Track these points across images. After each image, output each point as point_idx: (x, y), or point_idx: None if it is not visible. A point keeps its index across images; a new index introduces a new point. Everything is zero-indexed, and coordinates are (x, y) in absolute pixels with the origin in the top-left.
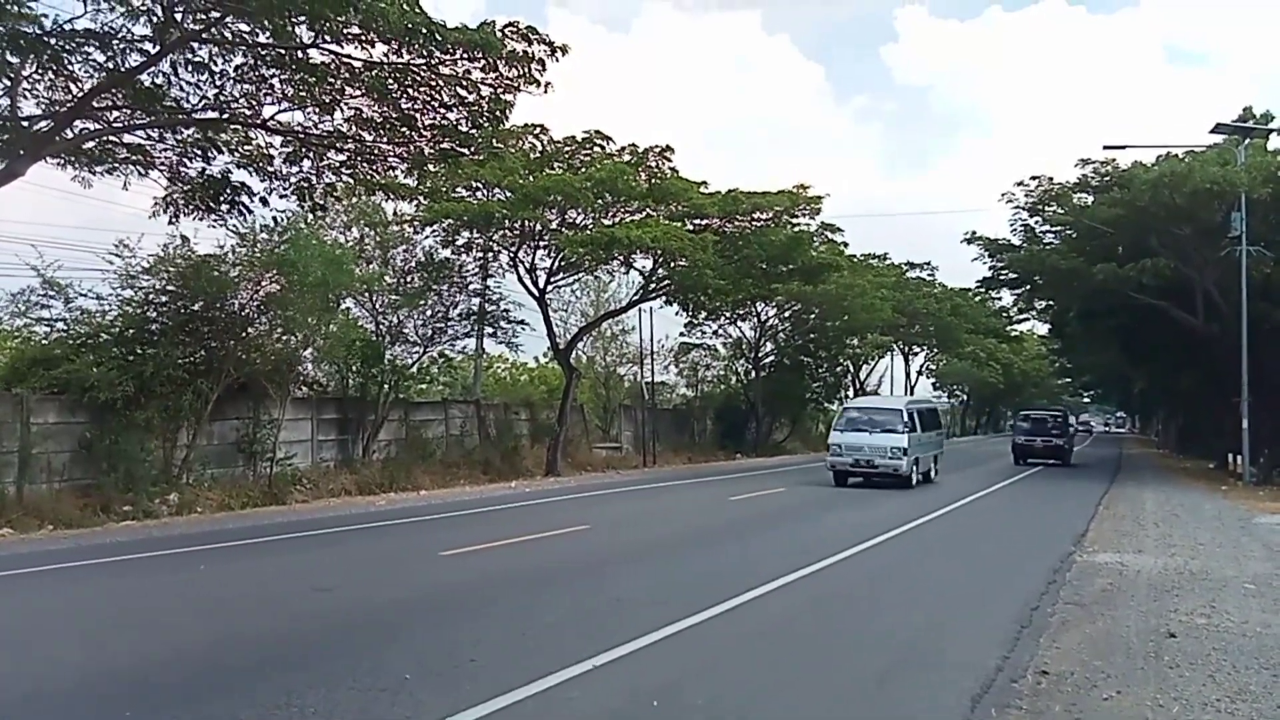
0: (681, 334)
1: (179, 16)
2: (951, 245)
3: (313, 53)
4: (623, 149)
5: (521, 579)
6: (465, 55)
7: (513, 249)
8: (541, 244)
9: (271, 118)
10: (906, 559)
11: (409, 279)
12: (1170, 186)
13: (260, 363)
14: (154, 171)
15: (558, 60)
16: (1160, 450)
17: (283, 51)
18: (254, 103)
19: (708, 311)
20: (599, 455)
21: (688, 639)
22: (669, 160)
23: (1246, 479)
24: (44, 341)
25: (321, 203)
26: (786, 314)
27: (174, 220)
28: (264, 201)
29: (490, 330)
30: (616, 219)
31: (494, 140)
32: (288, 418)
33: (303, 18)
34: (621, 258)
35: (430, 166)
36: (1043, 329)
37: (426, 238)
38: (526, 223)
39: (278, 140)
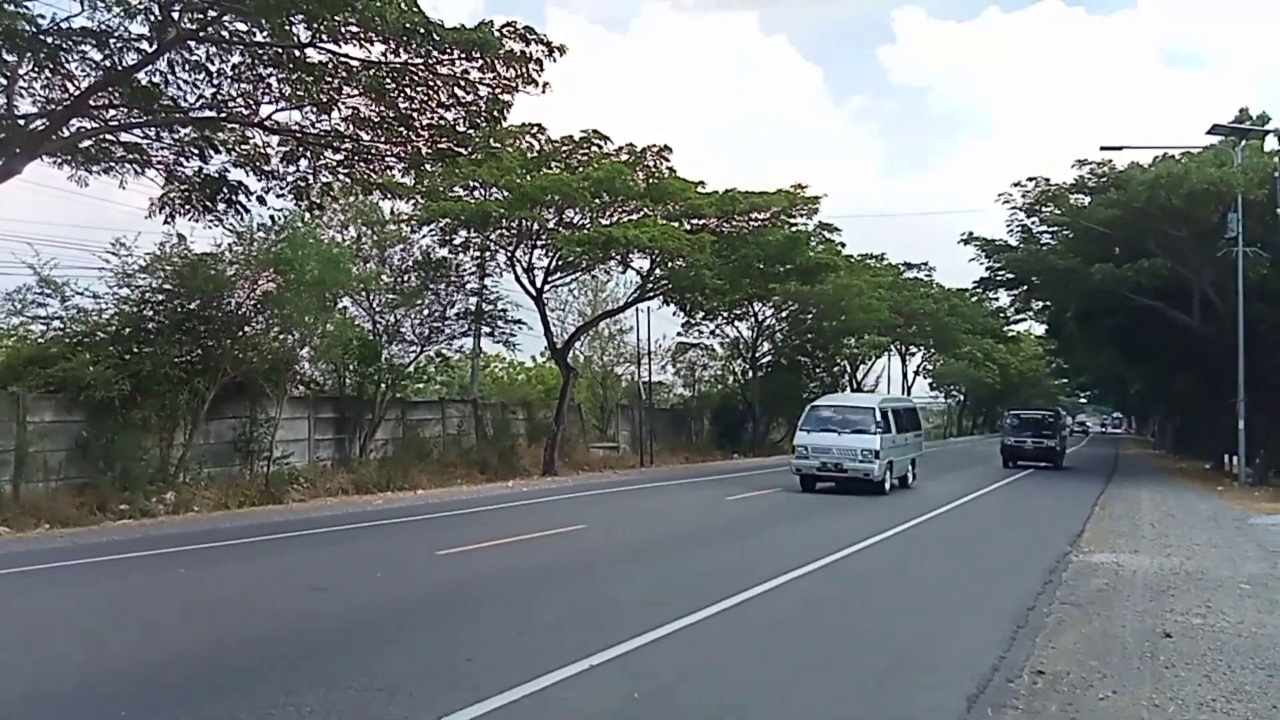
0: (679, 334)
1: (176, 15)
2: (949, 246)
3: (310, 52)
4: (620, 149)
5: (518, 578)
6: (463, 55)
7: (510, 248)
8: (539, 243)
9: (269, 117)
10: (903, 559)
11: (406, 278)
12: (1167, 187)
13: (257, 362)
14: (151, 170)
15: (556, 61)
16: (1157, 451)
17: (280, 51)
18: (251, 102)
19: (705, 311)
20: (596, 455)
21: (685, 638)
22: (667, 160)
23: (1242, 479)
24: (40, 340)
25: (318, 202)
26: (784, 314)
27: (170, 220)
28: (261, 200)
29: (487, 330)
30: (614, 219)
31: (491, 140)
32: (284, 417)
33: (300, 17)
34: (619, 257)
35: (427, 166)
36: (1040, 329)
37: (423, 237)
38: (524, 222)
39: (275, 139)
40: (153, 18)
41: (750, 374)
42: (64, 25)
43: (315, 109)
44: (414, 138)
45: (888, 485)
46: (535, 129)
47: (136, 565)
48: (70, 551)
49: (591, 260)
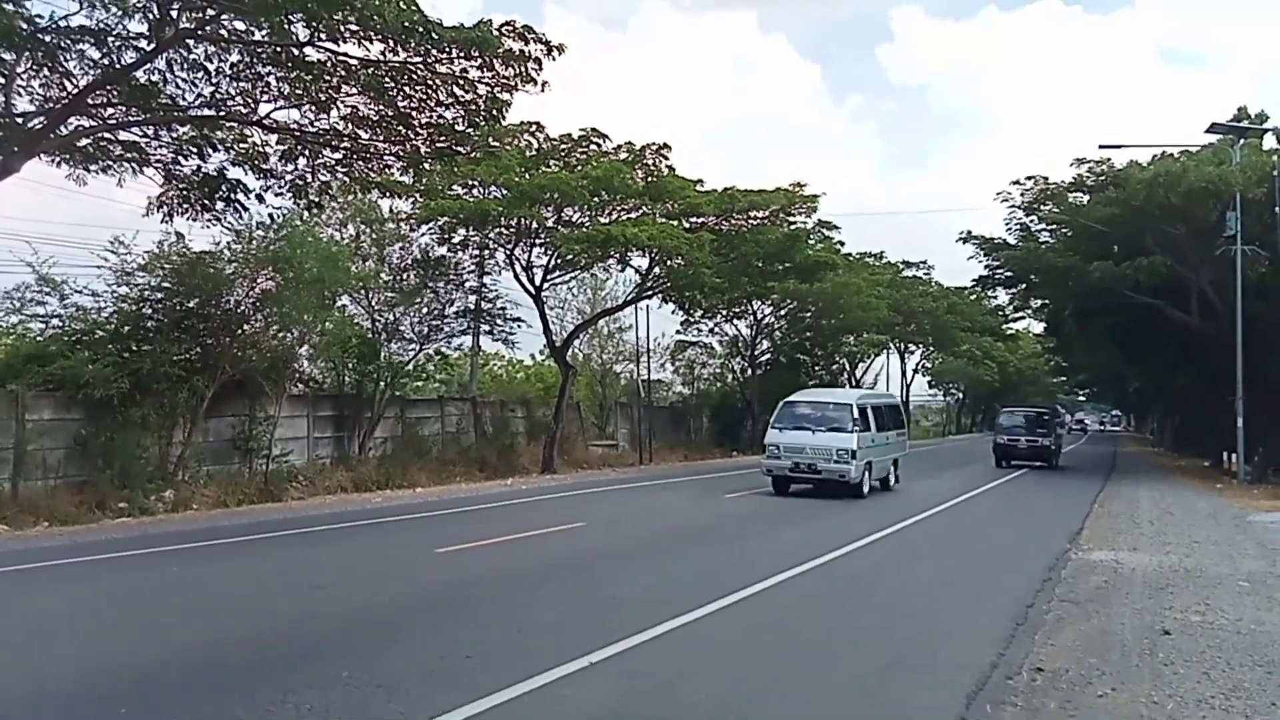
0: (678, 332)
1: (175, 14)
2: (948, 244)
3: (309, 51)
4: (619, 147)
5: (518, 576)
6: (462, 54)
7: (509, 246)
8: (537, 242)
9: (267, 115)
10: (902, 557)
11: (405, 276)
12: (1165, 186)
13: (256, 360)
14: (149, 169)
15: (554, 60)
16: (1155, 449)
17: (279, 49)
18: (250, 100)
19: (704, 309)
20: (595, 453)
21: (684, 636)
22: (666, 158)
23: (1241, 477)
24: (39, 338)
25: (317, 200)
26: (782, 312)
27: (167, 219)
28: (260, 199)
29: (486, 328)
30: (612, 217)
31: (490, 139)
32: (284, 415)
33: (299, 15)
34: (617, 256)
35: (426, 165)
36: (1038, 327)
37: (422, 235)
38: (522, 220)
39: (273, 138)
40: (151, 16)
41: (749, 372)
42: (62, 23)
43: (314, 107)
44: (413, 136)
45: (866, 488)
46: (534, 127)
47: (135, 563)
48: (69, 549)
49: (590, 259)
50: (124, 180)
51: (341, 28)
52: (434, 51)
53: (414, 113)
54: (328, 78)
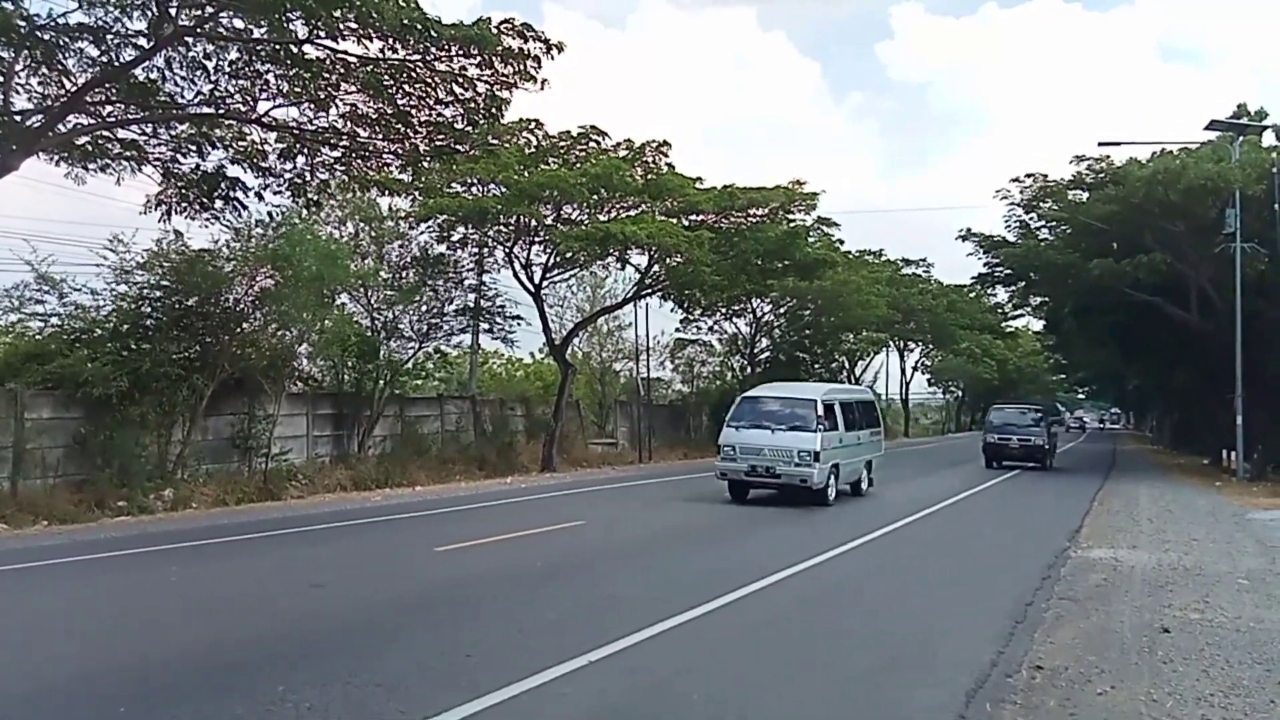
0: (677, 330)
1: (173, 12)
2: (948, 242)
3: (308, 48)
4: (618, 144)
5: (517, 575)
6: (461, 52)
7: (508, 244)
8: (537, 239)
9: (266, 113)
10: (900, 555)
11: (404, 274)
12: (1165, 183)
13: (255, 358)
14: (148, 167)
15: (553, 58)
16: (1155, 446)
17: (278, 47)
18: (249, 98)
19: (703, 307)
20: (594, 451)
21: (683, 634)
22: (665, 156)
23: (1240, 475)
24: (38, 336)
25: (316, 198)
26: (782, 310)
27: (165, 217)
28: (259, 197)
29: (486, 326)
30: (612, 214)
31: (490, 137)
32: (283, 413)
33: (298, 13)
34: (617, 254)
35: (425, 163)
36: (1038, 325)
37: (421, 233)
38: (521, 218)
39: (272, 136)
40: (150, 14)
41: (748, 370)
42: (61, 21)
43: (313, 105)
44: (411, 135)
45: (832, 494)
46: (533, 125)
47: (134, 562)
48: (68, 548)
49: (589, 256)
50: (123, 178)
51: (340, 25)
52: (433, 49)
53: (413, 111)
54: (326, 76)
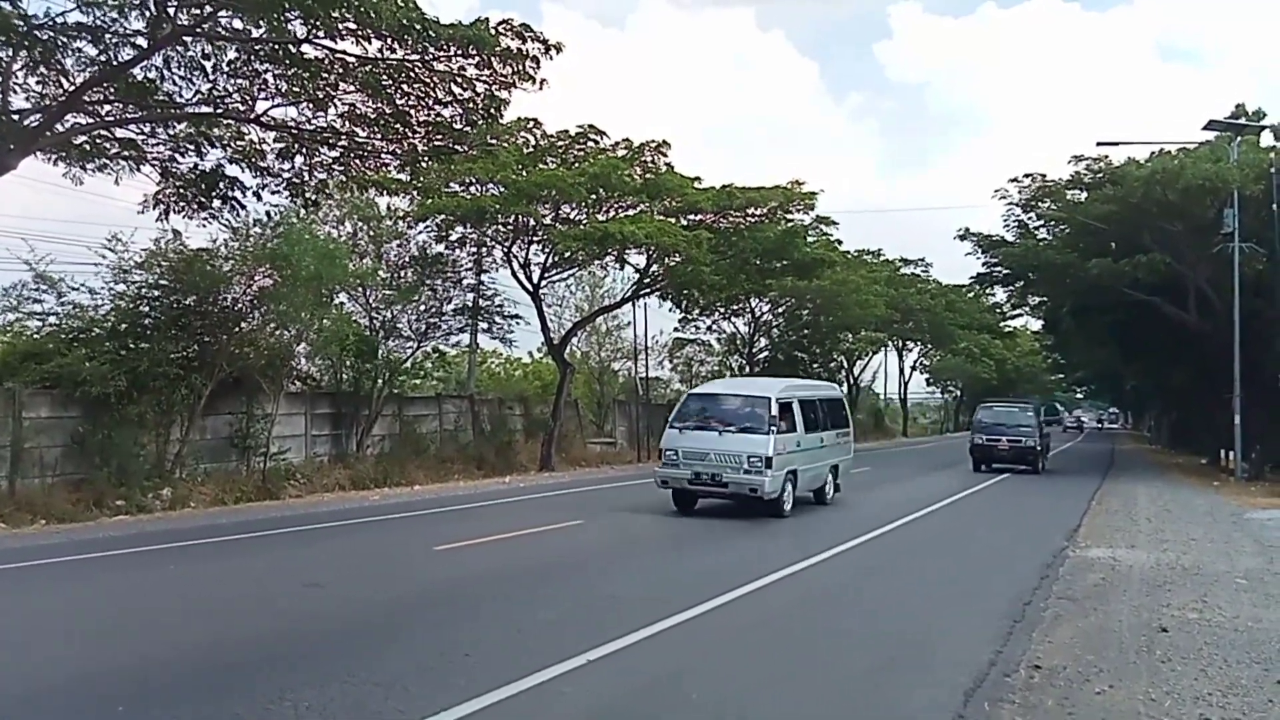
0: (676, 329)
1: (172, 11)
2: (947, 242)
3: (306, 48)
4: (617, 144)
5: (515, 574)
6: (459, 52)
7: (506, 244)
8: (535, 239)
9: (264, 113)
10: (897, 554)
11: (403, 274)
12: (1163, 183)
13: (254, 357)
14: (146, 166)
15: (552, 58)
16: (1153, 446)
17: (276, 47)
18: (247, 98)
19: (702, 307)
20: (593, 450)
21: (682, 634)
22: (664, 155)
23: (1238, 474)
24: (36, 336)
25: (314, 198)
26: (780, 310)
27: (163, 217)
28: (257, 196)
29: (484, 325)
30: (610, 214)
31: (488, 137)
32: (281, 412)
33: (297, 13)
34: (615, 253)
35: (423, 163)
36: (1036, 325)
37: (420, 233)
38: (520, 218)
39: (271, 135)
40: (148, 13)
41: (747, 369)
42: (59, 20)
43: (311, 105)
44: (410, 134)
45: (788, 504)
46: (531, 124)
47: (133, 561)
48: (66, 547)
49: (588, 256)
50: (121, 178)
51: (339, 25)
52: (431, 49)
53: (411, 111)
54: (325, 75)
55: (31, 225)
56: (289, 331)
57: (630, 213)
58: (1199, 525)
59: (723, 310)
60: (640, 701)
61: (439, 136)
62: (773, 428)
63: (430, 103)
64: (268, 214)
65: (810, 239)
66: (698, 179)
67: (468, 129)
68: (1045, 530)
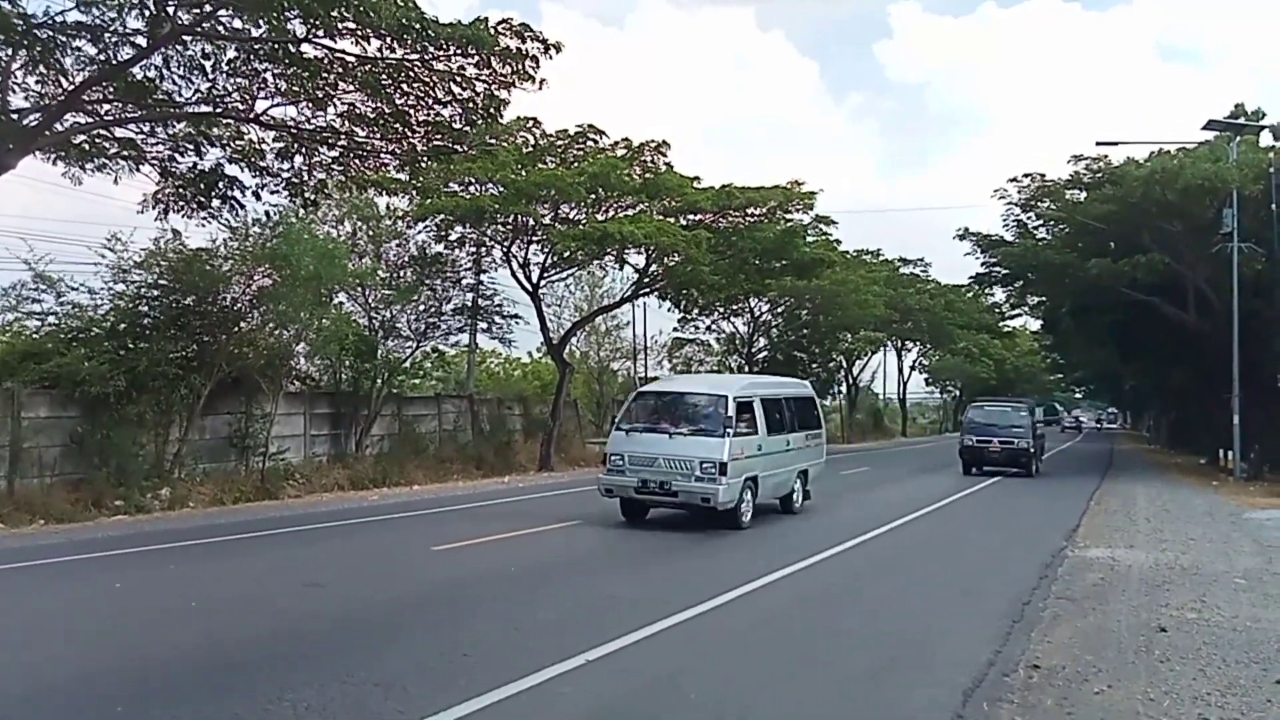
0: (675, 329)
1: (171, 10)
2: (946, 242)
3: (306, 48)
4: (616, 143)
5: (515, 574)
6: (459, 51)
7: (505, 244)
8: (534, 239)
9: (264, 112)
10: (896, 554)
11: (402, 273)
12: (1162, 183)
13: (253, 357)
14: (145, 166)
15: (552, 58)
16: (1152, 446)
17: (276, 46)
18: (246, 97)
19: (701, 307)
20: (592, 450)
21: (682, 633)
22: (664, 155)
23: (1237, 474)
24: (35, 335)
25: (313, 198)
26: (779, 309)
27: (162, 216)
28: (256, 196)
29: (483, 325)
30: (609, 214)
31: (488, 137)
32: (280, 412)
33: (296, 12)
34: (614, 253)
35: (423, 163)
36: (1035, 325)
37: (419, 232)
38: (519, 217)
39: (270, 135)
40: (147, 12)
41: (746, 369)
42: (58, 19)
43: (310, 105)
44: (409, 134)
45: (746, 515)
46: (531, 123)
47: (132, 561)
48: (65, 547)
49: (587, 256)
50: (120, 177)
51: (338, 25)
52: (431, 49)
53: (411, 110)
54: (324, 75)
55: (31, 225)
56: (288, 331)
57: (629, 212)
58: (1198, 525)
59: (722, 310)
60: (639, 701)
61: (438, 136)
62: (729, 429)
63: (430, 102)
64: (267, 214)
65: (809, 239)
66: (697, 179)
67: (467, 129)
68: (1044, 530)
